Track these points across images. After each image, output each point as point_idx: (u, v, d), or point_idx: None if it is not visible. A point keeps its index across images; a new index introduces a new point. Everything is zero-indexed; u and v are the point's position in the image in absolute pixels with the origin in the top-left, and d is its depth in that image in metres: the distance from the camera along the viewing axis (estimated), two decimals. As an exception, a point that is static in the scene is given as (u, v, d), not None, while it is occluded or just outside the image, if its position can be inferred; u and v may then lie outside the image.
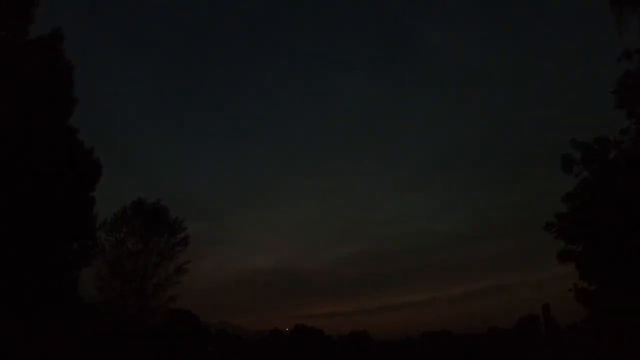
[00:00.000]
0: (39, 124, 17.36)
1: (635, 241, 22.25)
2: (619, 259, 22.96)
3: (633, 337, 22.59)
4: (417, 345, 74.91)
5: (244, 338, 74.36)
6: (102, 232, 30.47)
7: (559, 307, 45.45)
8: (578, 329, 35.75)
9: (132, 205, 33.99)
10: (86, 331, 23.16)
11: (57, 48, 18.87)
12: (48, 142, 17.66)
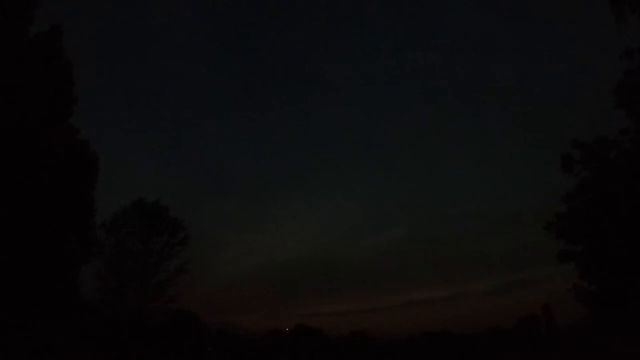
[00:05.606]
0: (38, 124, 17.34)
1: (636, 241, 22.26)
2: (619, 258, 22.98)
3: (633, 337, 22.59)
4: (417, 345, 74.86)
5: (245, 338, 74.32)
6: (102, 232, 30.52)
7: (559, 307, 45.50)
8: (578, 329, 35.75)
9: (132, 205, 34.03)
10: (86, 331, 23.14)
11: (56, 46, 18.84)
12: (47, 142, 17.65)
